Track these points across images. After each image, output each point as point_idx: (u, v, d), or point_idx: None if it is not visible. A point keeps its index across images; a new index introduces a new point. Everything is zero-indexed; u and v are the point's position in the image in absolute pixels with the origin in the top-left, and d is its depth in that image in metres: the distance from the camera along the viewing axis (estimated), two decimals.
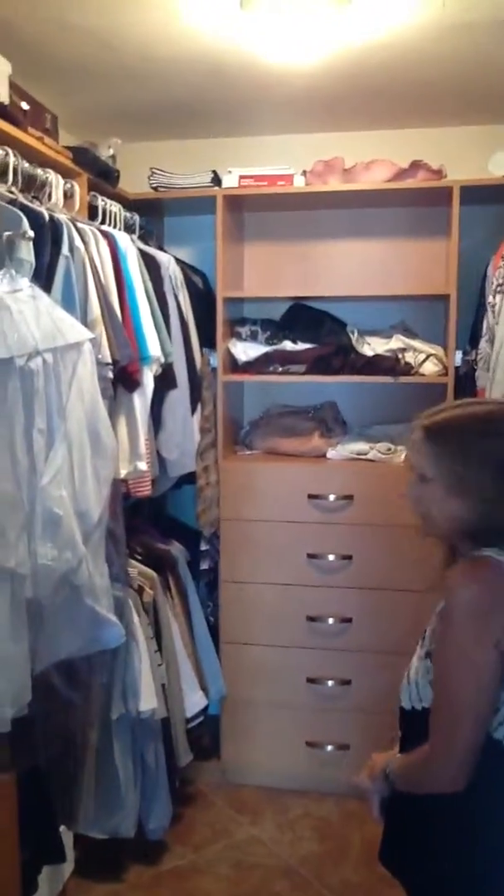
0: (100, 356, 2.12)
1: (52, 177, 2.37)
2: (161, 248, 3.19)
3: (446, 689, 1.37)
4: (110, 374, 2.19)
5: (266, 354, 3.15)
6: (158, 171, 3.07)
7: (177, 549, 3.17)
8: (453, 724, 1.35)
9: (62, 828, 2.48)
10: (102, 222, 2.70)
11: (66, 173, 2.51)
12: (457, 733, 1.34)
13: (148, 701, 2.58)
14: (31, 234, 1.89)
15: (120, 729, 2.60)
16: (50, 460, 1.90)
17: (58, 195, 2.40)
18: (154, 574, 2.89)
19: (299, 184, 3.04)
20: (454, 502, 1.40)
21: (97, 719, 2.53)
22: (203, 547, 3.29)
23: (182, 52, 2.48)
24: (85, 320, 2.11)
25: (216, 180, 3.05)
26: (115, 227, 2.77)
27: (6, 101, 2.00)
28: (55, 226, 2.06)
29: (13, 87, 2.23)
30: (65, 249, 2.07)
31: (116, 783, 2.61)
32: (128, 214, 2.92)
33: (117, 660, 2.52)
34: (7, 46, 2.26)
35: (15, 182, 2.15)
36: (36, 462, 1.87)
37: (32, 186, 2.31)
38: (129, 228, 2.94)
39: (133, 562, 2.88)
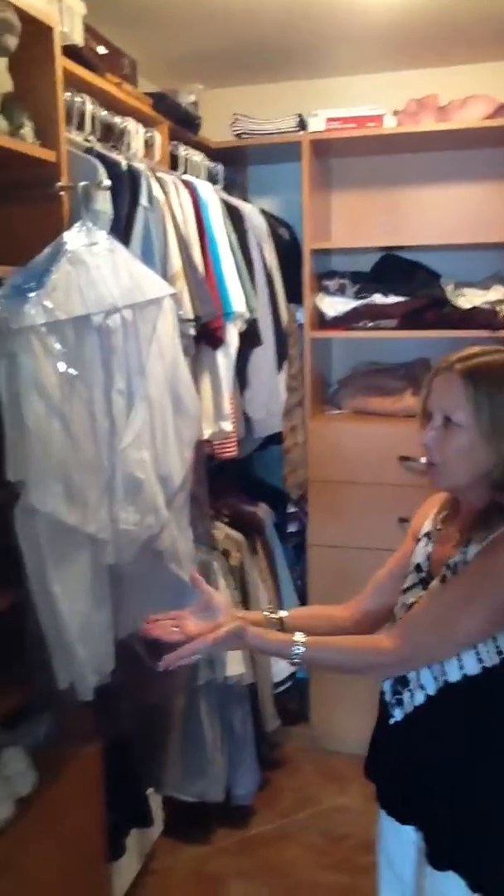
0: (181, 312, 2.02)
1: (132, 125, 2.27)
2: (245, 199, 3.07)
3: (455, 614, 1.31)
4: (192, 332, 2.09)
5: (355, 309, 3.00)
6: (242, 117, 2.93)
7: (264, 512, 3.09)
8: (436, 644, 1.34)
9: (150, 790, 2.48)
10: (184, 172, 2.59)
11: (145, 121, 2.40)
12: (434, 653, 1.35)
13: (234, 666, 2.53)
14: (108, 183, 1.80)
15: (206, 694, 2.56)
16: (130, 422, 1.82)
17: (137, 144, 2.31)
18: (241, 537, 2.82)
19: (390, 125, 2.85)
20: (485, 450, 1.32)
21: (183, 685, 2.49)
22: (290, 509, 3.20)
23: None
24: (165, 275, 2.02)
25: (302, 124, 2.89)
26: (197, 176, 2.66)
27: (81, 43, 1.89)
28: (133, 175, 1.96)
29: (89, 31, 2.12)
30: (144, 200, 1.97)
31: (203, 748, 2.58)
32: (210, 164, 2.81)
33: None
34: None
35: (92, 131, 2.07)
36: (116, 424, 1.80)
37: (110, 135, 2.22)
38: (211, 178, 2.82)
39: (219, 524, 2.82)
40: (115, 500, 1.79)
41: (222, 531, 2.77)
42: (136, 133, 2.29)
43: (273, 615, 1.51)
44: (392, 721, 1.46)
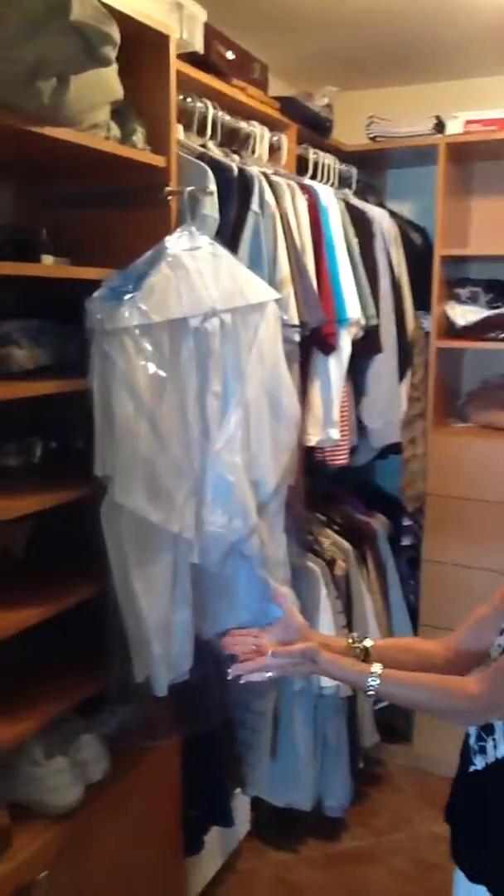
0: (286, 318, 2.01)
1: (257, 129, 2.29)
2: (381, 204, 3.01)
3: None
4: (297, 337, 2.08)
5: (487, 318, 2.87)
6: (377, 120, 2.87)
7: (378, 522, 3.03)
8: None
9: (237, 790, 2.49)
10: (314, 176, 2.58)
11: (273, 125, 2.41)
12: None
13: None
14: (213, 189, 1.81)
15: (301, 702, 2.55)
16: (224, 425, 1.84)
17: (262, 148, 2.32)
18: (349, 546, 2.77)
19: None
20: None
21: (277, 689, 2.49)
22: (406, 522, 3.12)
23: None
24: (273, 280, 2.02)
25: (439, 127, 2.80)
26: (327, 180, 2.64)
27: (201, 50, 1.92)
28: (245, 180, 1.97)
29: (218, 36, 2.15)
30: (254, 205, 1.98)
31: (294, 755, 2.56)
32: (344, 167, 2.78)
33: None
34: None
35: (213, 135, 2.09)
36: (209, 426, 1.82)
37: (234, 139, 2.24)
38: (344, 182, 2.79)
39: (328, 532, 2.79)
40: (203, 501, 1.81)
41: (330, 539, 2.74)
42: (261, 137, 2.30)
43: (358, 643, 1.45)
44: (472, 769, 1.37)
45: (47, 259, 1.70)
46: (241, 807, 2.58)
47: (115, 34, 1.40)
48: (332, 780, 2.66)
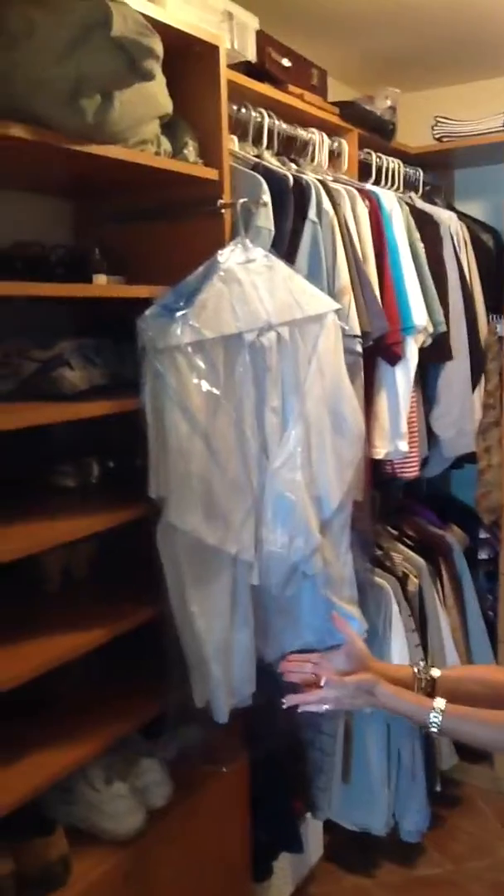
0: (347, 328, 1.95)
1: (316, 136, 2.23)
2: (450, 205, 2.91)
3: None
4: (359, 348, 2.01)
5: None
6: (443, 120, 2.78)
7: (453, 535, 2.92)
8: None
9: (308, 815, 2.43)
10: (377, 180, 2.51)
11: (334, 131, 2.36)
12: None
13: None
14: (266, 200, 1.77)
15: (374, 723, 2.46)
16: (283, 441, 1.79)
17: (322, 155, 2.26)
18: (422, 561, 2.68)
19: None
20: None
21: (347, 710, 2.41)
22: (482, 535, 3.00)
23: None
24: (332, 290, 1.96)
25: None
26: (392, 184, 2.56)
27: (253, 59, 1.88)
28: (301, 189, 1.92)
29: (273, 44, 2.12)
30: (312, 214, 1.92)
31: (368, 777, 2.48)
32: (410, 170, 2.70)
33: (372, 650, 2.36)
34: (274, 1, 2.15)
35: (270, 144, 2.05)
36: (268, 443, 1.77)
37: (292, 147, 2.20)
38: (410, 185, 2.72)
39: (400, 546, 2.70)
40: (262, 520, 1.76)
41: (402, 553, 2.65)
42: (320, 144, 2.25)
43: (424, 674, 1.37)
44: None
45: (100, 279, 1.68)
46: (314, 831, 2.52)
47: (158, 48, 1.37)
48: (407, 803, 2.56)
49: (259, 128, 2.01)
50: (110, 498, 1.80)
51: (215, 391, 1.63)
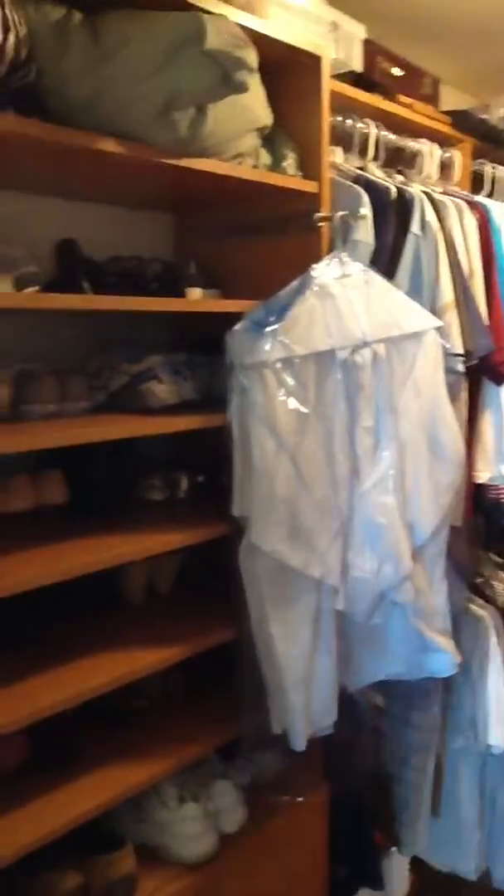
0: (449, 346, 1.86)
1: (426, 146, 2.16)
2: None
3: None
4: (461, 367, 1.92)
5: None
6: None
7: None
8: None
9: (393, 850, 2.34)
10: (492, 192, 2.41)
11: (446, 141, 2.27)
12: None
13: (499, 734, 2.28)
14: (365, 213, 1.71)
15: (465, 760, 2.34)
16: (375, 463, 1.72)
17: (431, 166, 2.18)
18: None
19: None
20: None
21: (437, 744, 2.31)
22: None
23: None
24: (434, 306, 1.88)
25: None
26: None
27: (359, 69, 1.83)
28: (404, 201, 1.85)
29: (383, 52, 2.06)
30: (415, 227, 1.85)
31: (458, 816, 2.36)
32: None
33: (465, 685, 2.26)
34: (387, 9, 2.10)
35: (376, 156, 2.00)
36: (359, 465, 1.71)
37: (400, 158, 2.13)
38: None
39: (503, 575, 2.57)
40: (349, 544, 1.70)
41: (503, 583, 2.52)
42: (430, 154, 2.17)
43: None
44: None
45: (194, 293, 1.67)
46: (399, 867, 2.42)
47: (252, 59, 1.35)
48: (500, 848, 2.42)
49: (364, 139, 1.96)
50: (198, 513, 1.78)
51: (304, 409, 1.59)
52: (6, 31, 1.24)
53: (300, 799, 1.83)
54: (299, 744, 1.67)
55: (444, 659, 1.88)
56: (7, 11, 1.24)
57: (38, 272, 1.41)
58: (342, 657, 1.75)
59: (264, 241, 1.83)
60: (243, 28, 1.46)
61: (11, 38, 1.25)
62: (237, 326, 1.58)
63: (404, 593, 1.77)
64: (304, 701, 1.66)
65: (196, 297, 1.68)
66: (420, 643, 1.84)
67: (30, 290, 1.39)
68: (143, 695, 1.76)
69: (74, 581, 1.42)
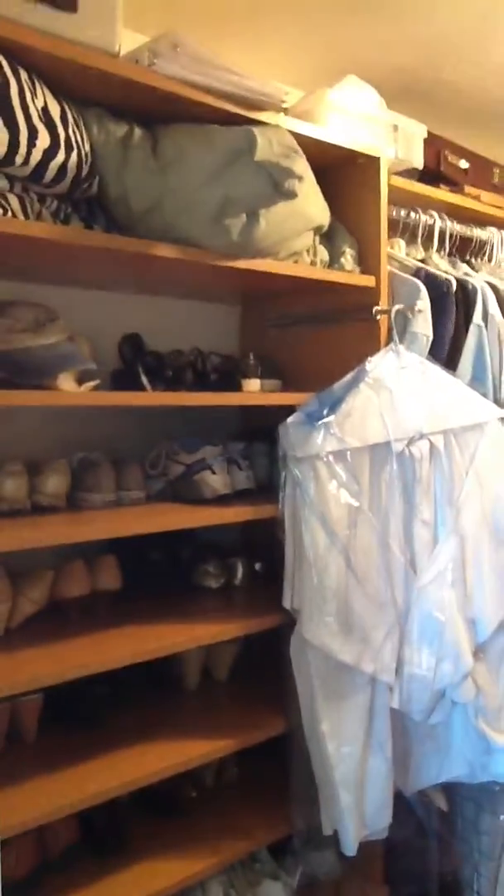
0: None
1: (495, 234, 2.16)
2: None
3: None
4: None
5: None
6: None
7: None
8: None
9: None
10: None
11: None
12: None
13: None
14: (422, 307, 1.72)
15: None
16: (434, 556, 1.69)
17: (500, 254, 2.18)
18: None
19: None
20: None
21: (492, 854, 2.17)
22: None
23: None
24: (498, 397, 1.85)
25: None
26: None
27: (419, 165, 1.87)
28: (466, 293, 1.85)
29: (450, 146, 2.10)
30: (477, 318, 1.85)
31: None
32: None
33: None
34: (450, 105, 2.15)
35: (441, 246, 2.01)
36: (416, 558, 1.68)
37: (467, 249, 2.14)
38: None
39: None
40: (406, 640, 1.66)
41: None
42: (500, 242, 2.17)
43: None
44: None
45: (251, 384, 1.70)
46: None
47: (299, 168, 1.41)
48: None
49: (427, 230, 1.98)
50: (254, 601, 1.78)
51: (355, 503, 1.58)
52: (69, 150, 1.33)
53: None
54: (350, 847, 1.61)
55: None
56: (70, 132, 1.34)
57: (95, 368, 1.47)
58: (398, 758, 1.69)
59: (324, 332, 1.86)
60: (299, 135, 1.53)
61: (73, 156, 1.34)
62: (290, 419, 1.61)
63: (465, 692, 1.71)
64: (356, 802, 1.61)
65: (253, 389, 1.71)
66: (483, 745, 1.76)
67: (88, 384, 1.45)
68: (196, 784, 1.75)
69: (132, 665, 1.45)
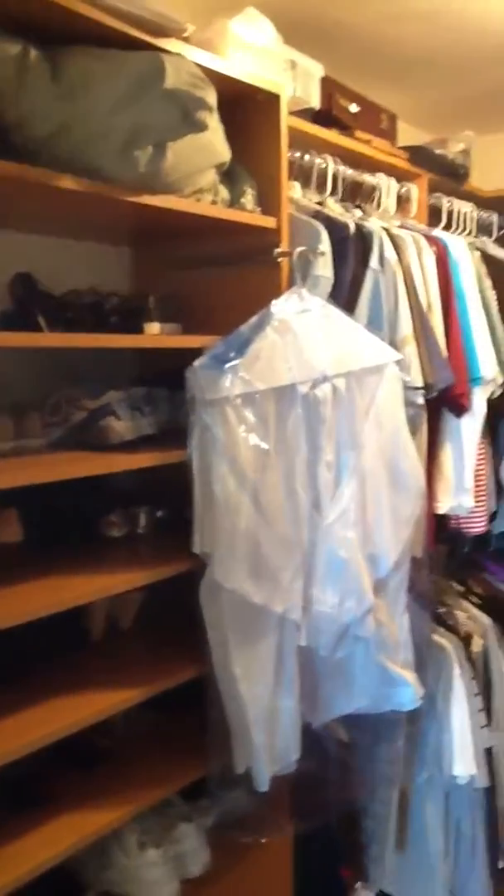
0: (409, 379, 1.87)
1: (384, 181, 2.19)
2: None
3: None
4: (421, 400, 1.93)
5: None
6: None
7: None
8: None
9: (359, 884, 2.31)
10: (448, 225, 2.44)
11: (403, 175, 2.30)
12: None
13: (464, 765, 2.27)
14: (324, 250, 1.72)
15: (431, 792, 2.33)
16: (337, 497, 1.72)
17: (389, 200, 2.21)
18: (488, 620, 2.55)
19: None
20: None
21: (402, 777, 2.29)
22: None
23: None
24: (394, 340, 1.89)
25: None
26: (463, 229, 2.49)
27: (317, 105, 1.85)
28: (363, 237, 1.86)
29: (340, 89, 2.09)
30: (373, 262, 1.87)
31: (424, 849, 2.35)
32: (483, 214, 2.62)
33: (429, 716, 2.25)
34: (341, 44, 2.13)
35: (334, 190, 2.01)
36: (321, 499, 1.70)
37: (359, 193, 2.15)
38: (484, 229, 2.64)
39: (465, 604, 2.58)
40: (312, 579, 1.69)
41: (467, 612, 2.53)
42: (388, 189, 2.20)
43: None
44: None
45: (152, 328, 1.66)
46: None
47: (211, 99, 1.36)
48: (467, 878, 2.41)
49: (323, 174, 1.98)
50: (159, 549, 1.76)
51: (265, 445, 1.58)
52: None
53: (264, 840, 1.80)
54: (262, 783, 1.65)
55: (407, 692, 1.87)
56: None
57: None
58: (306, 693, 1.73)
59: (225, 275, 1.83)
60: (202, 67, 1.47)
61: None
62: (197, 362, 1.58)
63: (367, 627, 1.77)
64: (267, 739, 1.64)
65: (154, 332, 1.67)
66: (384, 677, 1.83)
67: None
68: (108, 734, 1.73)
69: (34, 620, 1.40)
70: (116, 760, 1.70)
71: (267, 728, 1.63)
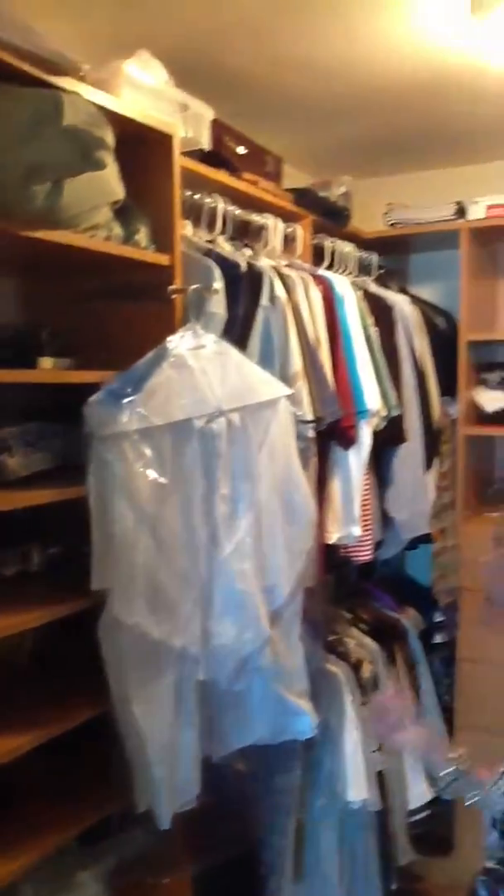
0: (300, 413, 1.93)
1: (270, 221, 2.25)
2: (403, 289, 2.95)
3: None
4: (311, 433, 1.99)
5: None
6: (396, 206, 2.83)
7: (409, 618, 2.87)
8: None
9: None
10: (331, 265, 2.53)
11: (288, 216, 2.37)
12: None
13: (357, 790, 2.32)
14: (217, 287, 1.76)
15: (326, 818, 2.36)
16: (233, 530, 1.74)
17: (276, 240, 2.28)
18: (376, 646, 2.62)
19: None
20: None
21: (299, 804, 2.31)
22: (438, 618, 2.95)
23: (411, 76, 2.23)
24: (285, 375, 1.94)
25: (461, 212, 2.75)
26: (345, 269, 2.59)
27: (207, 147, 1.90)
28: (254, 275, 1.92)
29: (229, 132, 2.15)
30: (264, 300, 1.92)
31: (321, 877, 2.37)
32: (363, 254, 2.73)
33: (323, 743, 2.29)
34: (228, 88, 2.19)
35: (224, 230, 2.06)
36: (217, 532, 1.72)
37: (247, 232, 2.21)
38: (364, 269, 2.75)
39: (354, 631, 2.64)
40: (210, 612, 1.70)
41: (355, 639, 2.59)
42: (274, 229, 2.27)
43: None
44: None
45: (46, 362, 1.64)
46: None
47: (109, 138, 1.37)
48: None
49: (213, 213, 2.02)
50: (54, 588, 1.72)
51: (162, 479, 1.59)
52: None
53: (165, 881, 1.78)
54: (164, 821, 1.63)
55: (304, 721, 1.90)
56: None
57: None
58: (206, 727, 1.73)
59: (119, 310, 1.83)
60: (98, 105, 1.49)
61: None
62: (94, 397, 1.57)
63: (264, 658, 1.79)
64: (168, 775, 1.63)
65: (48, 367, 1.65)
66: (281, 707, 1.86)
67: None
68: (6, 781, 1.67)
69: None
70: (8, 809, 1.64)
71: (167, 763, 1.62)
